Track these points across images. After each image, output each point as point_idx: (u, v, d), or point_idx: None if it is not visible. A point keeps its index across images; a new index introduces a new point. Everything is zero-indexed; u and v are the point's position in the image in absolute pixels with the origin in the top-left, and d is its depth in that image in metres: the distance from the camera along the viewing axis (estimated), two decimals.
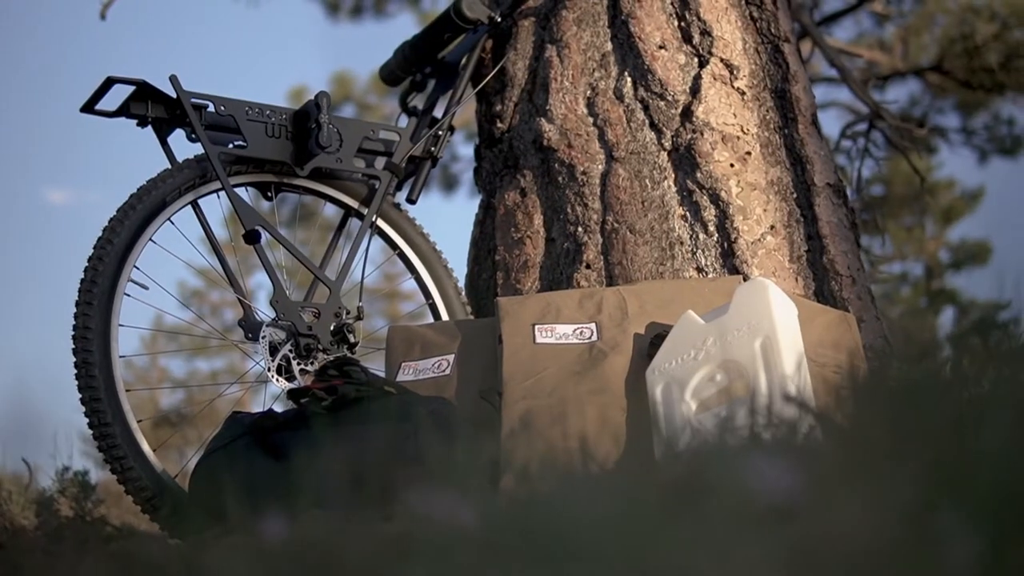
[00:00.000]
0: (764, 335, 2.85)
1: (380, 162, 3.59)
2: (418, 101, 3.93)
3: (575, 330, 3.12)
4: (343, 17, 13.52)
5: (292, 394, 2.92)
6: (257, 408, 3.31)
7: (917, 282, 20.65)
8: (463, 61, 3.76)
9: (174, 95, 3.25)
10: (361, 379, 2.86)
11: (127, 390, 3.05)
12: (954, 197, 20.36)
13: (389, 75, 3.97)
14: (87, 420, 3.02)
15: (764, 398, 2.80)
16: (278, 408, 3.12)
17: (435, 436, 2.72)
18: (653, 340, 3.05)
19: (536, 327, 3.12)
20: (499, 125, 3.77)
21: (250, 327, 3.30)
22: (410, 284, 3.69)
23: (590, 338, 3.09)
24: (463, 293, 3.68)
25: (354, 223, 3.58)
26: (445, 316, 3.60)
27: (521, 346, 3.08)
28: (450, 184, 12.35)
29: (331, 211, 3.71)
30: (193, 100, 3.26)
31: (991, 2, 12.38)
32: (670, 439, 2.89)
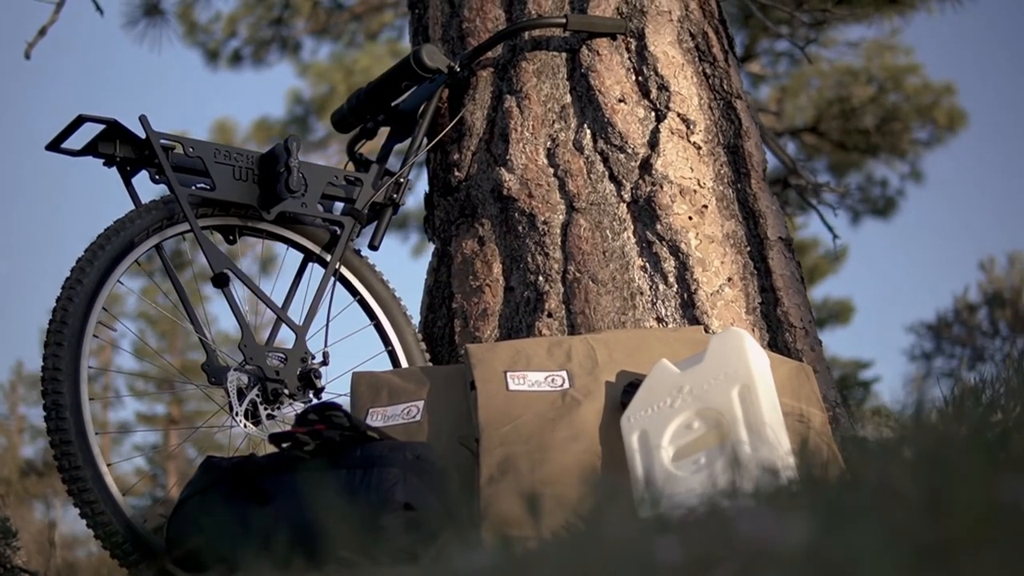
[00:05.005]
0: (742, 383, 2.91)
1: (338, 207, 3.59)
2: (367, 149, 3.95)
3: (547, 377, 3.14)
4: (222, 65, 13.46)
5: (274, 438, 2.89)
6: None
7: None
8: (421, 109, 3.78)
9: (143, 135, 3.22)
10: (343, 424, 2.85)
11: (96, 433, 3.00)
12: (818, 256, 20.86)
13: (341, 121, 3.97)
14: (57, 463, 2.96)
15: (745, 445, 2.87)
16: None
17: (423, 482, 2.73)
18: (626, 388, 3.09)
19: (508, 374, 3.13)
20: (456, 174, 3.79)
21: (214, 371, 3.26)
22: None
23: (562, 386, 3.11)
24: (422, 340, 3.68)
25: (315, 268, 3.57)
26: (405, 363, 3.59)
27: (495, 393, 3.09)
28: None
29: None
30: (162, 141, 3.24)
31: (868, 65, 12.77)
32: (649, 486, 2.93)
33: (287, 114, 15.13)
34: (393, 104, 3.89)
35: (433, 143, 3.83)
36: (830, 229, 6.04)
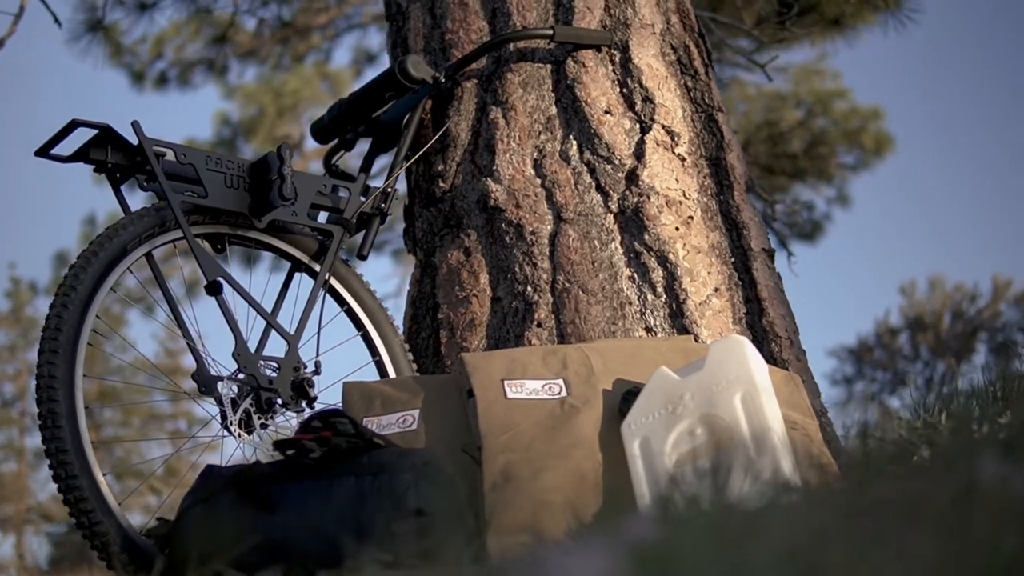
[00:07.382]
0: (744, 390, 2.93)
1: (324, 216, 3.57)
2: (345, 160, 3.93)
3: (544, 386, 3.14)
4: (148, 87, 13.29)
5: (279, 445, 2.85)
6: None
7: None
8: (405, 120, 3.77)
9: (135, 141, 3.18)
10: (349, 431, 2.82)
11: (92, 442, 2.95)
12: None
13: (321, 132, 3.94)
14: (52, 473, 2.90)
15: (750, 451, 2.88)
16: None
17: (433, 488, 2.71)
18: (625, 396, 3.09)
19: (505, 382, 3.13)
20: (440, 185, 3.78)
21: (204, 380, 3.21)
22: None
23: (559, 394, 3.11)
24: (408, 351, 3.66)
25: (303, 278, 3.54)
26: (393, 374, 3.57)
27: (494, 401, 3.08)
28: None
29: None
30: (154, 148, 3.20)
31: (796, 89, 12.92)
32: (652, 492, 2.94)
33: (215, 136, 15.01)
34: (375, 115, 3.87)
35: (419, 154, 3.82)
36: (784, 246, 6.11)
